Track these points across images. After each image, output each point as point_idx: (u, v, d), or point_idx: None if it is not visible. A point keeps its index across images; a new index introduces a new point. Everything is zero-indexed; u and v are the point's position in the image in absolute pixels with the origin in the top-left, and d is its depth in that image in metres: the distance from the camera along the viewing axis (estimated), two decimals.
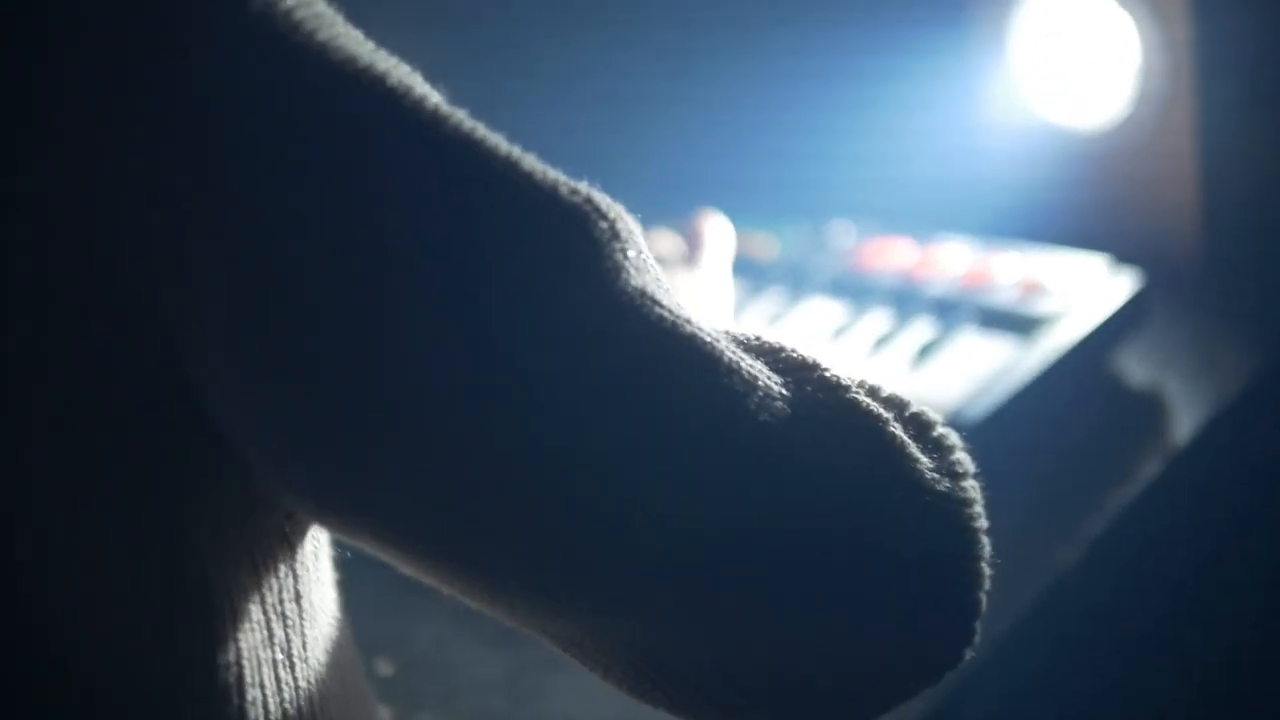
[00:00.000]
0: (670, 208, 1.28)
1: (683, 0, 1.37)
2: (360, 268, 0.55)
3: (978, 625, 0.59)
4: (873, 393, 0.60)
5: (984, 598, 0.59)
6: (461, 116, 0.57)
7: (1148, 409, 1.10)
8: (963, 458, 0.59)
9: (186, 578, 0.59)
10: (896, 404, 0.60)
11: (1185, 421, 1.08)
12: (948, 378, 1.06)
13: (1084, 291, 1.12)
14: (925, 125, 1.27)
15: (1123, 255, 1.15)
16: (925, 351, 1.09)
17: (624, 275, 0.56)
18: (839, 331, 1.14)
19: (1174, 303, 1.18)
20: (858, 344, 1.12)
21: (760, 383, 0.57)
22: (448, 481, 0.56)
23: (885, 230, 1.23)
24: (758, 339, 0.60)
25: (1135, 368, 1.13)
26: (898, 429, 0.58)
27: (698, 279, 1.00)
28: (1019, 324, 1.10)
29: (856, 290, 1.18)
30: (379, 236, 0.55)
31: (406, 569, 0.60)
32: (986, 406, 1.03)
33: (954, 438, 0.60)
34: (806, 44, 1.32)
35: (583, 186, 0.58)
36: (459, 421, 0.55)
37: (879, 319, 1.14)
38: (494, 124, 0.58)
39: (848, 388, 0.58)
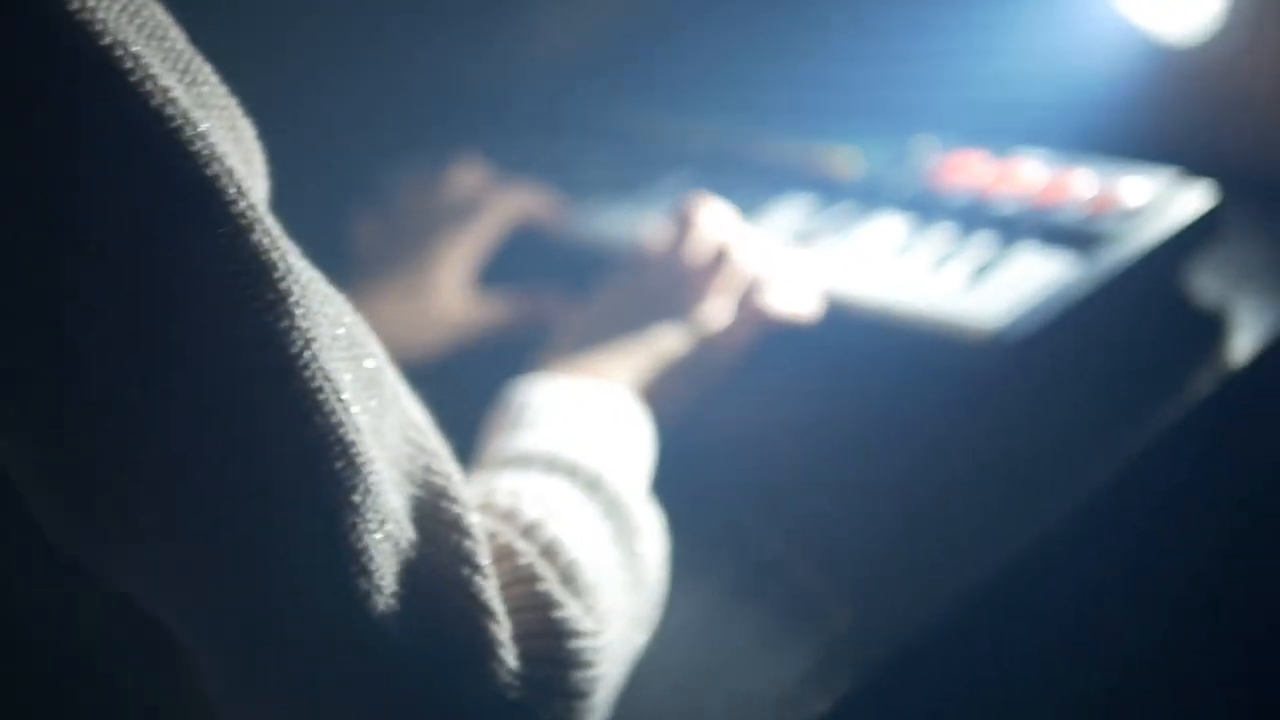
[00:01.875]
0: (756, 124, 1.30)
1: None
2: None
3: None
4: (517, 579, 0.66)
5: None
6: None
7: (1210, 328, 1.09)
8: (584, 675, 0.66)
9: None
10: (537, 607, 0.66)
11: (1246, 342, 1.08)
12: (1001, 295, 1.07)
13: (1156, 206, 1.11)
14: (1013, 36, 1.26)
15: (1205, 171, 1.14)
16: (984, 270, 1.10)
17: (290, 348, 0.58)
18: (902, 249, 1.15)
19: (1253, 221, 1.17)
20: (919, 261, 1.13)
21: (378, 570, 0.59)
22: None
23: (967, 145, 1.23)
24: (425, 474, 0.63)
25: (1204, 286, 1.12)
26: (499, 631, 0.62)
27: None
28: (1083, 240, 1.10)
29: (927, 206, 1.19)
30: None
31: None
32: (1034, 324, 1.04)
33: (585, 638, 0.66)
34: None
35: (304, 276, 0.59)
36: None
37: (944, 236, 1.15)
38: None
39: (480, 569, 0.62)
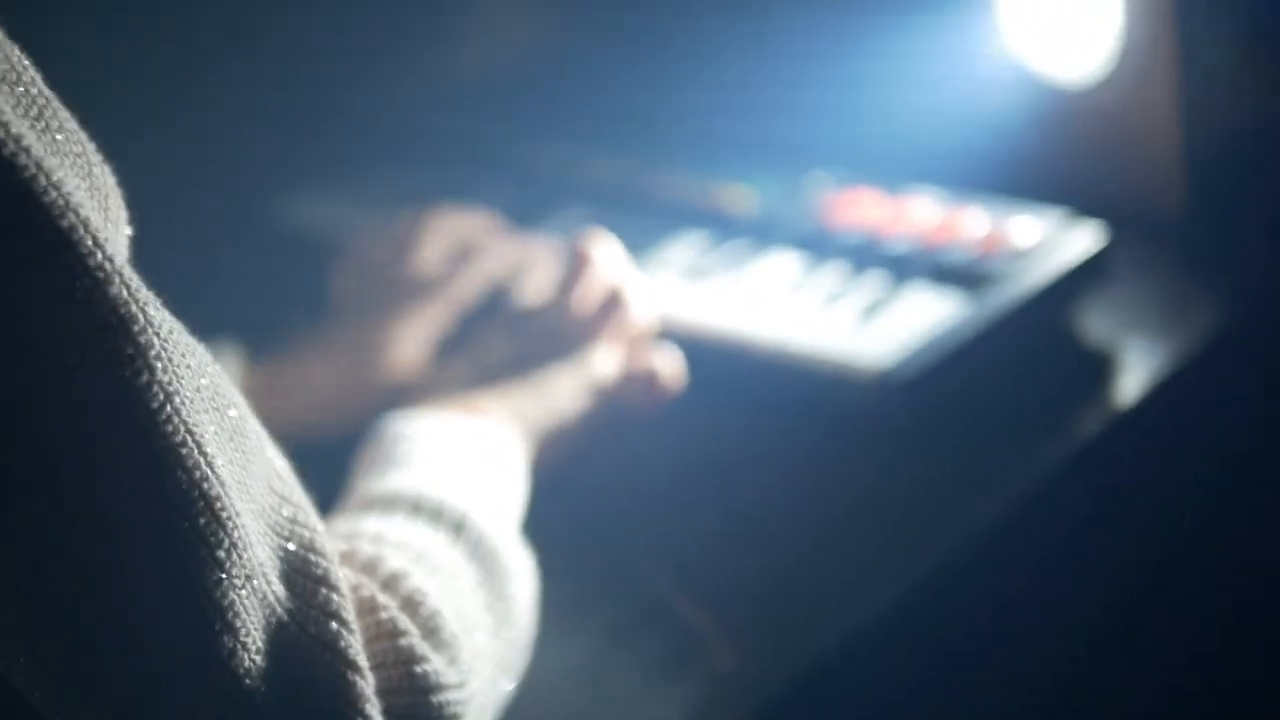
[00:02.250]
0: (652, 159, 1.30)
1: None
2: None
3: None
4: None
5: None
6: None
7: (1098, 368, 1.10)
8: (439, 703, 0.65)
9: None
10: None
11: (1134, 382, 1.08)
12: (890, 334, 1.07)
13: (1046, 246, 1.12)
14: (907, 76, 1.27)
15: (1095, 211, 1.15)
16: (874, 308, 1.10)
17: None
18: (794, 287, 1.15)
19: (1141, 262, 1.18)
20: (810, 299, 1.13)
21: (243, 627, 0.58)
22: None
23: (860, 182, 1.24)
24: (292, 526, 0.62)
25: (1093, 326, 1.13)
26: (363, 686, 0.62)
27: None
28: (973, 279, 1.11)
29: (819, 244, 1.19)
30: None
31: None
32: (923, 363, 1.04)
33: (448, 691, 0.66)
34: None
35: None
36: None
37: (835, 274, 1.15)
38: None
39: (346, 624, 0.62)
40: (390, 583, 0.68)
